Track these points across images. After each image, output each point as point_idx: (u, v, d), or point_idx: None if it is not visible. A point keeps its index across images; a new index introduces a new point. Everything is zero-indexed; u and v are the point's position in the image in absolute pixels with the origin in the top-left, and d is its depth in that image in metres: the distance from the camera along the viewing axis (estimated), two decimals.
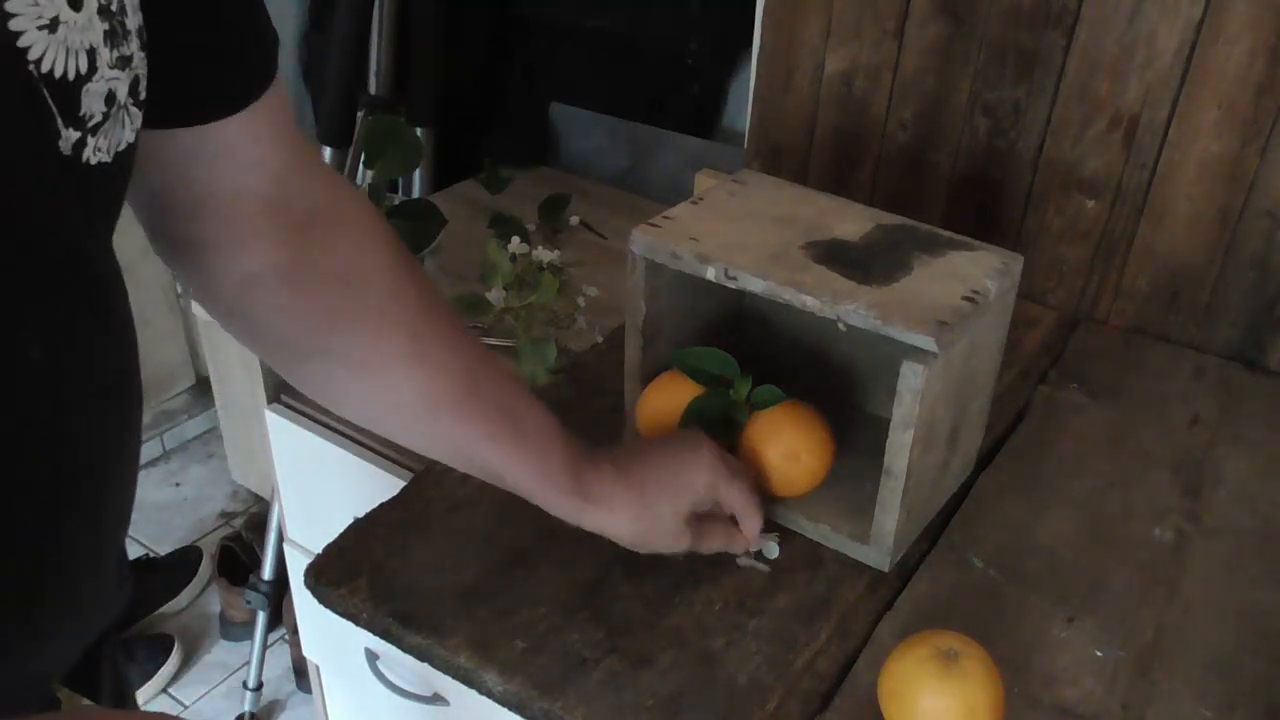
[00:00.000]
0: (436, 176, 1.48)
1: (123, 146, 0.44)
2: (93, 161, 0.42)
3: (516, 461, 0.68)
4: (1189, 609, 0.76)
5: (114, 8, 0.41)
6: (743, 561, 0.78)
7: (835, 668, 0.71)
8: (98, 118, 0.41)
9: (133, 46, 0.43)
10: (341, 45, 1.35)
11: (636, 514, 0.71)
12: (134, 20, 0.43)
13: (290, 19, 1.60)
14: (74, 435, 0.46)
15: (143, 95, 0.45)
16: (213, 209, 0.57)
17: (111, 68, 0.41)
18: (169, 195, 0.56)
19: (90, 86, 0.40)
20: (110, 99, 0.42)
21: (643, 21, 1.39)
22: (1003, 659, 0.66)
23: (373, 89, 1.42)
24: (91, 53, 0.40)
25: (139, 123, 0.45)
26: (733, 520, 0.76)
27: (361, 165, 1.22)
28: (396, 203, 1.14)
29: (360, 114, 1.39)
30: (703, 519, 0.74)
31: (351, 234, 0.62)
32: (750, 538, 0.76)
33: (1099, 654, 0.72)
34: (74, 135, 0.40)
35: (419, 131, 1.44)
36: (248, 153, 0.56)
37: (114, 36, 0.41)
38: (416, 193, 1.45)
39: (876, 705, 0.66)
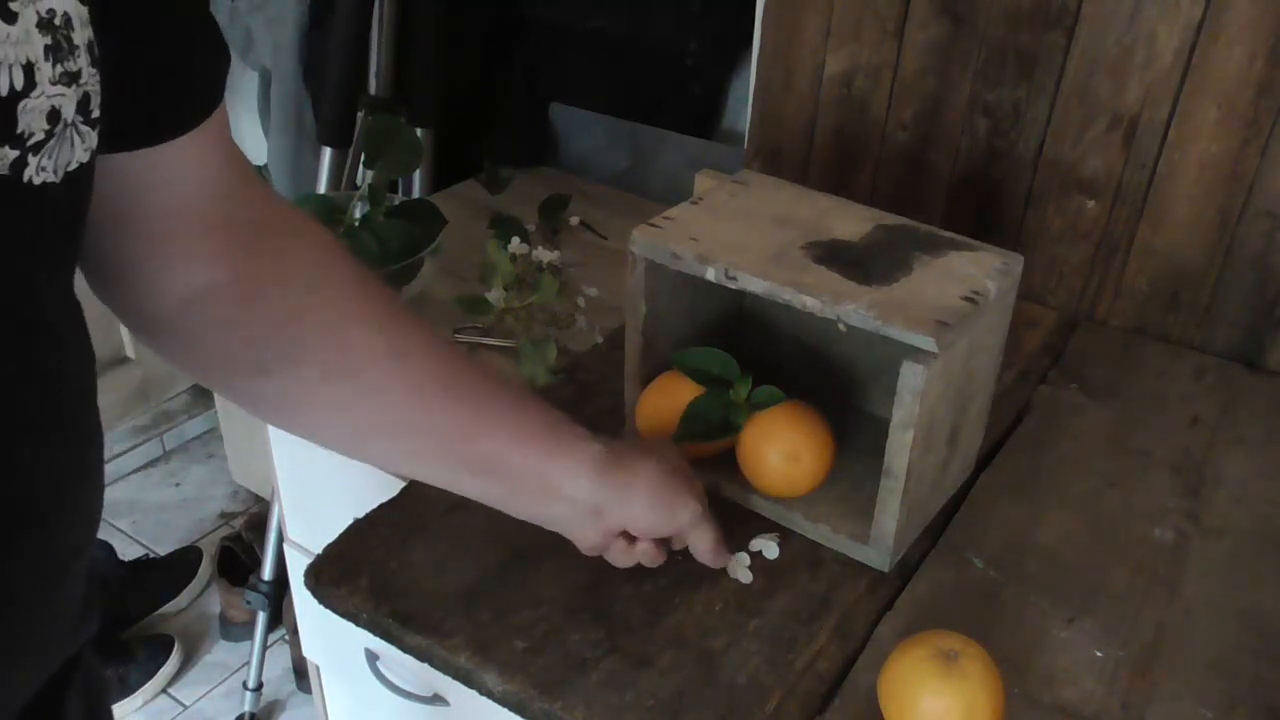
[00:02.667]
0: (436, 177, 1.48)
1: (73, 167, 0.42)
2: (36, 182, 0.40)
3: (523, 429, 0.66)
4: (1189, 609, 0.76)
5: (57, 21, 0.39)
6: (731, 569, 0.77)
7: (835, 668, 0.71)
8: (39, 135, 0.40)
9: (80, 62, 0.41)
10: (341, 45, 1.35)
11: (660, 455, 0.70)
12: (82, 35, 0.41)
13: (290, 19, 1.60)
14: (15, 470, 0.44)
15: (95, 113, 0.43)
16: (149, 229, 0.55)
17: (54, 83, 0.40)
18: (107, 216, 0.53)
19: (28, 103, 0.39)
20: (54, 116, 0.40)
21: (643, 21, 1.39)
22: (1003, 659, 0.66)
23: (373, 89, 1.42)
24: (29, 67, 0.38)
25: (93, 142, 0.43)
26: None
27: (361, 165, 1.22)
28: (396, 203, 1.14)
29: (360, 114, 1.39)
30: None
31: (305, 243, 0.61)
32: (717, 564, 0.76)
33: (1099, 654, 0.72)
34: (11, 154, 0.39)
35: (419, 132, 1.44)
36: (189, 173, 0.54)
37: (57, 51, 0.40)
38: (416, 193, 1.45)
39: (876, 705, 0.66)
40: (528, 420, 0.66)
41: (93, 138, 0.43)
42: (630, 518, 0.70)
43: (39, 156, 0.40)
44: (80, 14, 0.41)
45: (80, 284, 0.51)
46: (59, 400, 0.46)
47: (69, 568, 0.50)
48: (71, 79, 0.41)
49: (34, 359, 0.44)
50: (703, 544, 0.73)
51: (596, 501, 0.68)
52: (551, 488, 0.67)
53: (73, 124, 0.41)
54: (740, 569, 0.77)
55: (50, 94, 0.40)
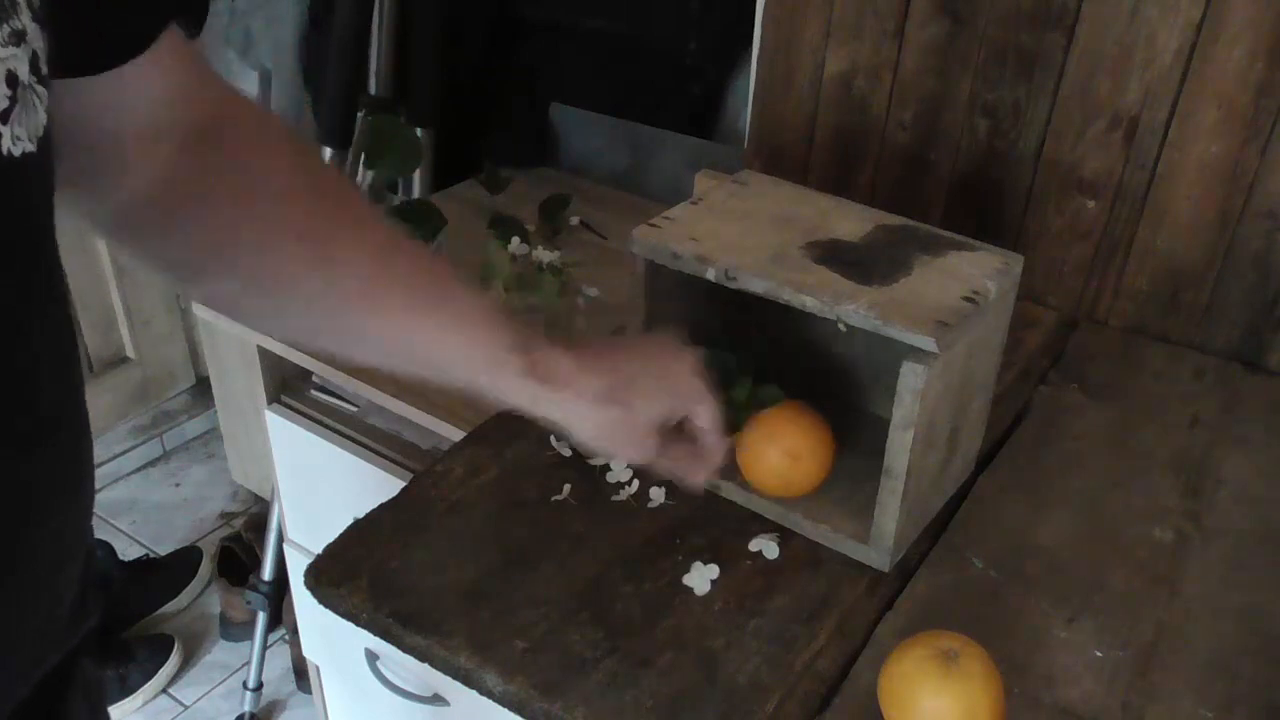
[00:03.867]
0: (436, 177, 1.48)
1: (43, 131, 0.41)
2: (17, 153, 0.39)
3: (448, 349, 0.62)
4: (1189, 609, 0.76)
5: None
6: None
7: (835, 668, 0.71)
8: (3, 103, 0.38)
9: (24, 19, 0.39)
10: (341, 45, 1.35)
11: (605, 404, 0.64)
12: None
13: (290, 19, 1.60)
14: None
15: (44, 71, 0.41)
16: (95, 144, 0.53)
17: (4, 45, 0.38)
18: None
19: None
20: (12, 80, 0.38)
21: (642, 21, 1.39)
22: (1003, 659, 0.66)
23: (373, 89, 1.42)
24: None
25: (46, 101, 0.41)
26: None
27: (361, 165, 1.22)
28: (396, 203, 1.14)
29: (360, 114, 1.39)
30: (666, 434, 0.68)
31: (244, 147, 0.58)
32: (713, 463, 0.71)
33: (1099, 654, 0.72)
34: None
35: (419, 132, 1.44)
36: (136, 92, 0.52)
37: (0, 12, 0.38)
38: (416, 193, 1.45)
39: (876, 705, 0.66)
40: (454, 340, 0.62)
41: (46, 97, 0.41)
42: (574, 434, 0.67)
43: (9, 125, 0.38)
44: None
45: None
46: (48, 394, 0.45)
47: (59, 570, 0.50)
48: (19, 38, 0.39)
49: (29, 331, 0.43)
50: (712, 416, 0.69)
51: (609, 421, 0.65)
52: (500, 398, 0.64)
53: (29, 85, 0.40)
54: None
55: (2, 57, 0.38)
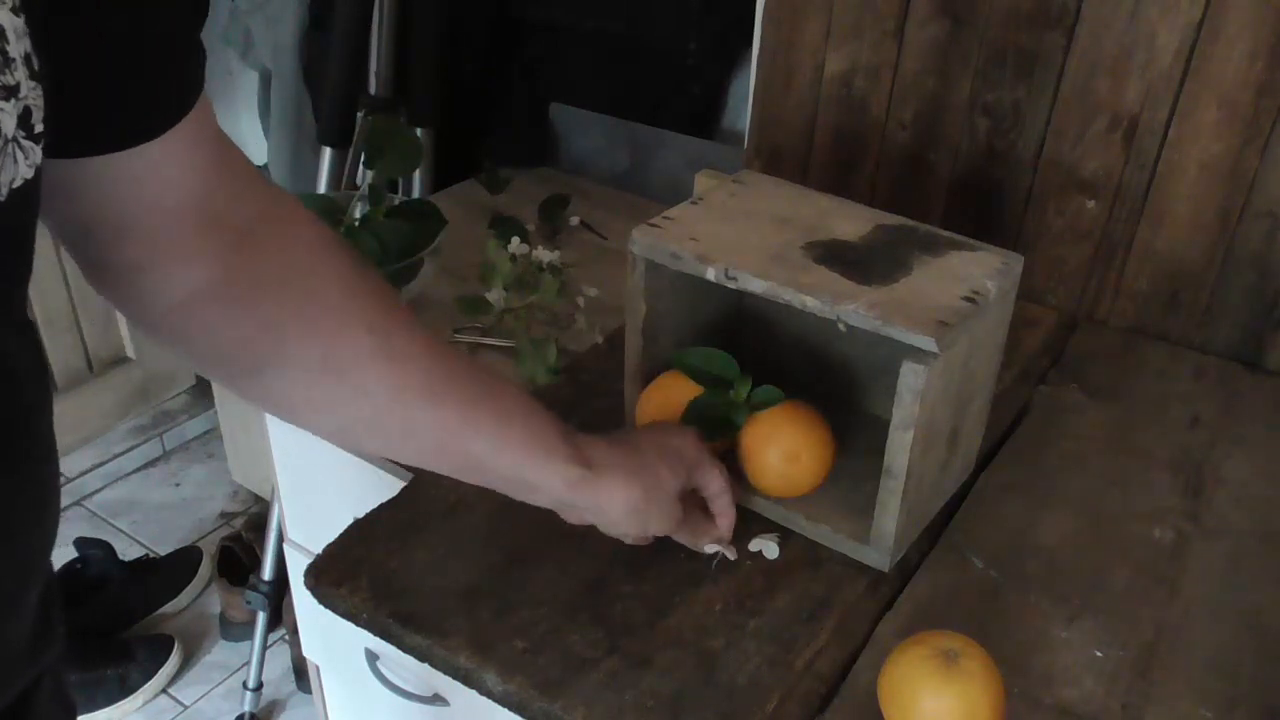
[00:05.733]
0: (436, 177, 1.48)
1: (18, 183, 0.40)
2: None
3: (506, 438, 0.65)
4: (1189, 609, 0.76)
5: None
6: (709, 548, 0.78)
7: (835, 668, 0.71)
8: None
9: (18, 75, 0.39)
10: (341, 45, 1.35)
11: (638, 480, 0.70)
12: (18, 47, 0.39)
13: (290, 19, 1.60)
14: None
15: (38, 128, 0.41)
16: (140, 232, 0.54)
17: None
18: (92, 221, 0.53)
19: None
20: None
21: (642, 21, 1.39)
22: (1003, 659, 0.66)
23: (373, 89, 1.42)
24: None
25: (37, 158, 0.42)
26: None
27: (361, 165, 1.22)
28: (396, 203, 1.14)
29: (360, 114, 1.39)
30: (682, 501, 0.74)
31: (297, 239, 0.60)
32: (725, 527, 0.77)
33: (1099, 654, 0.72)
34: None
35: (419, 132, 1.44)
36: (172, 172, 0.53)
37: None
38: (416, 193, 1.45)
39: (876, 705, 0.66)
40: (510, 432, 0.66)
41: (36, 153, 0.42)
42: (606, 524, 0.73)
43: None
44: (15, 26, 0.39)
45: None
46: (10, 426, 0.45)
47: (19, 593, 0.49)
48: (10, 93, 0.39)
49: None
50: (718, 482, 0.76)
51: (574, 509, 0.71)
52: (534, 490, 0.69)
53: (14, 139, 0.40)
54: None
55: None
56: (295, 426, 0.66)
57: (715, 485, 0.76)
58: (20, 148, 0.40)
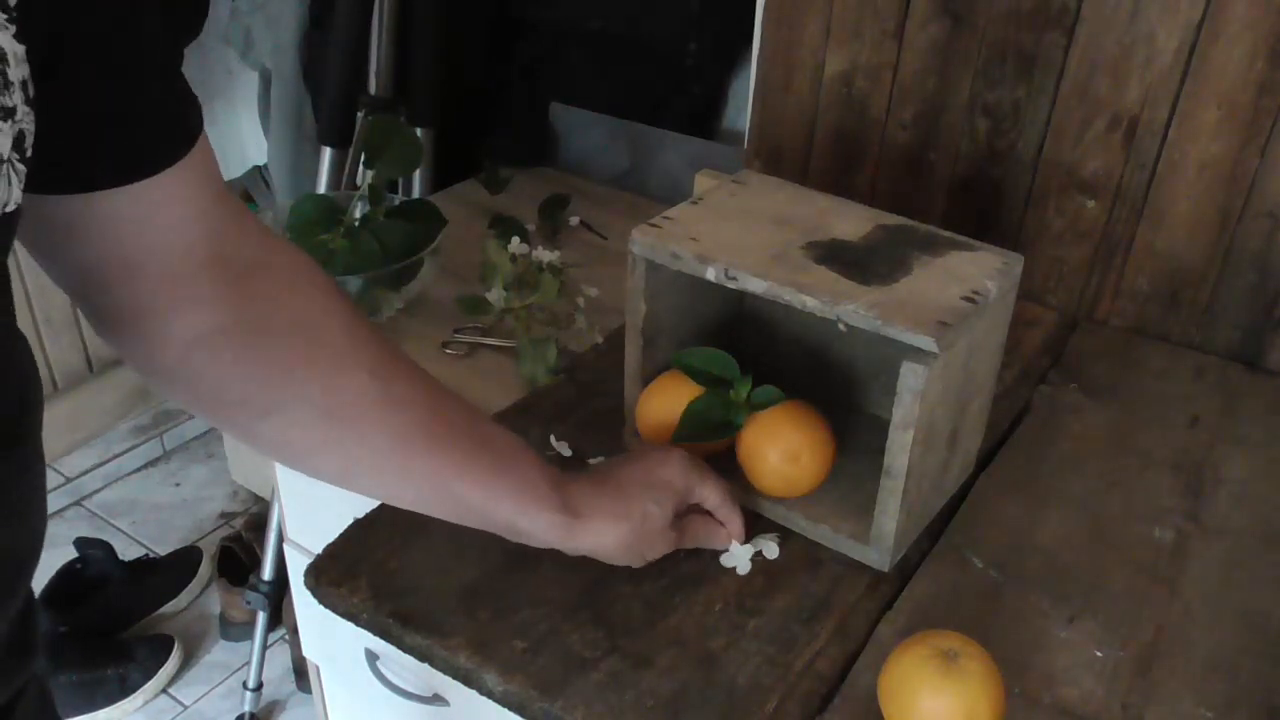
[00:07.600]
0: (436, 177, 1.48)
1: (11, 208, 0.41)
2: None
3: (498, 487, 0.67)
4: (1189, 609, 0.76)
5: None
6: (726, 561, 0.78)
7: (835, 668, 0.71)
8: None
9: (15, 98, 0.40)
10: (341, 45, 1.35)
11: (625, 520, 0.71)
12: (17, 72, 0.40)
13: (290, 19, 1.60)
14: None
15: (28, 152, 0.41)
16: (148, 273, 0.54)
17: None
18: (95, 264, 0.53)
19: None
20: None
21: (643, 22, 1.39)
22: (1003, 659, 0.66)
23: (373, 89, 1.42)
24: None
25: (22, 182, 0.42)
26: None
27: (361, 165, 1.22)
28: (396, 203, 1.14)
29: (360, 114, 1.39)
30: (682, 517, 0.75)
31: (296, 282, 0.61)
32: (735, 531, 0.78)
33: (1099, 654, 0.72)
34: None
35: (419, 132, 1.44)
36: (177, 213, 0.53)
37: None
38: (416, 193, 1.45)
39: (876, 705, 0.66)
40: (503, 481, 0.67)
41: (25, 176, 0.42)
42: (604, 560, 0.74)
43: None
44: (16, 51, 0.39)
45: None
46: None
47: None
48: (7, 115, 0.39)
49: None
50: (716, 494, 0.76)
51: (633, 534, 0.72)
52: (526, 537, 0.70)
53: (9, 161, 0.40)
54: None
55: None
56: (291, 467, 0.66)
57: (714, 499, 0.76)
58: (14, 170, 0.41)
